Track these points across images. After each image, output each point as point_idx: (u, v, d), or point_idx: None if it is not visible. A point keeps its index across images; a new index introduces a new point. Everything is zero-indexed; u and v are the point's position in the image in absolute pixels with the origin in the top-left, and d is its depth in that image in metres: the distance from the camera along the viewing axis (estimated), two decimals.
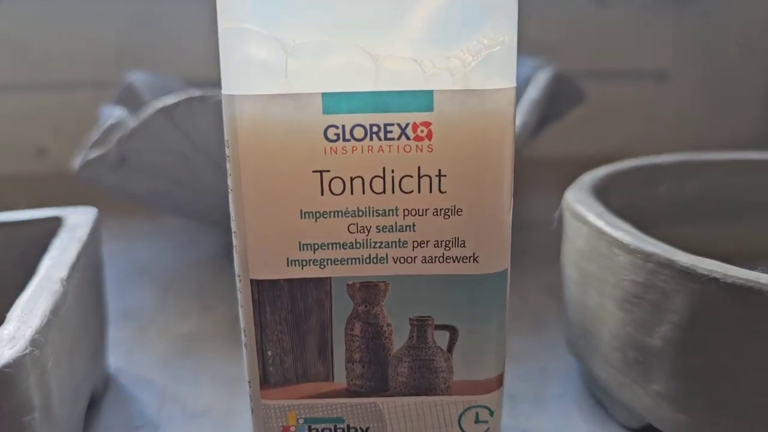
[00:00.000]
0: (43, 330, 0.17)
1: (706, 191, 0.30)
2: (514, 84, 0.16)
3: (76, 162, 0.32)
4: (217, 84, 0.17)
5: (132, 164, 0.31)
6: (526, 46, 0.46)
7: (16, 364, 0.15)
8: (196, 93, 0.28)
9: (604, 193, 0.25)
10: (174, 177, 0.31)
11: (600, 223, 0.21)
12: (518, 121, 0.33)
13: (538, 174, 0.45)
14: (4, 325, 0.17)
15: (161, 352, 0.27)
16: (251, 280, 0.16)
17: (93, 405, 0.23)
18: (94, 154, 0.31)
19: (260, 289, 0.16)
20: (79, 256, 0.21)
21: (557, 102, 0.38)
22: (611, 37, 0.59)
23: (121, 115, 0.34)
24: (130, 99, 0.39)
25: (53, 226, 0.24)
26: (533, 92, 0.35)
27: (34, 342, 0.16)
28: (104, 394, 0.24)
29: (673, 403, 0.19)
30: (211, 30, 0.46)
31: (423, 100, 0.15)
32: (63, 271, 0.20)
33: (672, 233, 0.26)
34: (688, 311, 0.18)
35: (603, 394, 0.23)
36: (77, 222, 0.24)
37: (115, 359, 0.26)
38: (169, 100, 0.29)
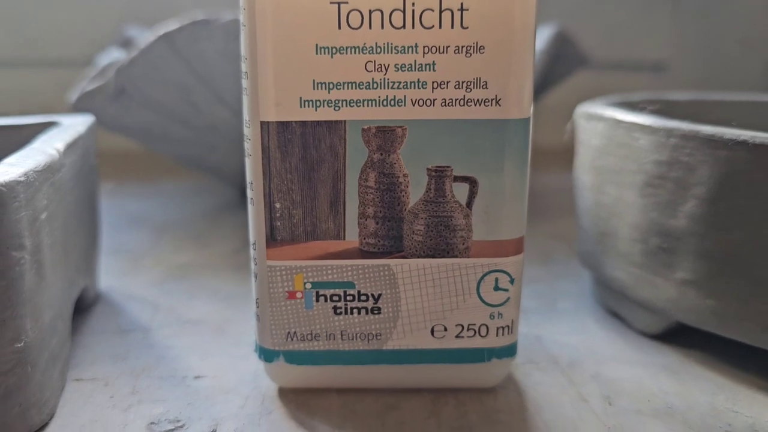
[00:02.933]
0: (39, 174, 0.16)
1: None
2: None
3: (73, 95, 0.31)
4: None
5: (130, 95, 0.30)
6: None
7: (10, 185, 0.14)
8: (199, 17, 0.28)
9: None
10: (173, 110, 0.30)
11: (617, 114, 0.20)
12: None
13: (540, 159, 0.45)
14: (5, 165, 0.16)
15: (156, 277, 0.26)
16: (261, 123, 0.16)
17: (82, 313, 0.22)
18: (92, 86, 0.30)
19: (270, 132, 0.16)
20: (75, 142, 0.20)
21: (561, 62, 0.38)
22: (610, 29, 0.59)
23: (118, 56, 0.33)
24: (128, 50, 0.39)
25: (48, 128, 0.23)
26: (538, 44, 0.35)
27: (27, 175, 0.15)
28: (94, 305, 0.23)
29: (700, 288, 0.18)
30: (206, 8, 0.43)
31: None
32: (58, 144, 0.19)
33: None
34: (715, 181, 0.17)
35: (619, 302, 0.22)
36: (74, 123, 0.23)
37: (106, 281, 0.25)
38: (172, 25, 0.28)
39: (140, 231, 0.32)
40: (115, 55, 0.33)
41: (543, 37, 0.35)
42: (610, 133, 0.20)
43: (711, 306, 0.18)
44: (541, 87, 0.37)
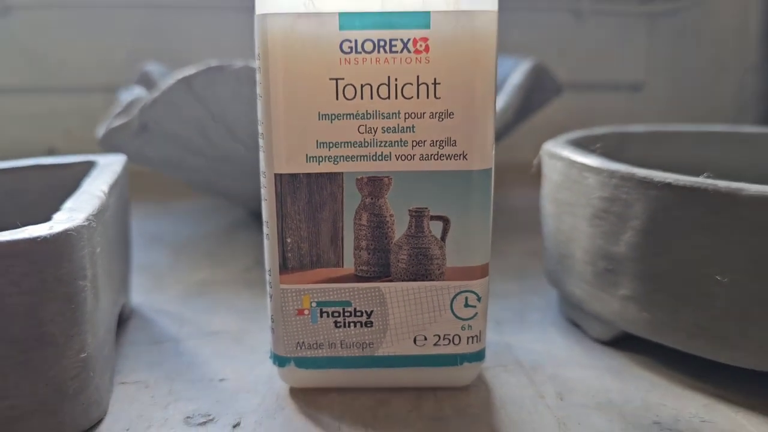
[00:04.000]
0: (95, 216, 0.20)
1: (671, 158, 0.33)
2: (496, 8, 0.19)
3: (99, 131, 0.35)
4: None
5: (152, 132, 0.34)
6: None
7: (79, 229, 0.18)
8: (213, 63, 0.32)
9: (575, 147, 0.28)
10: (190, 144, 0.34)
11: (572, 155, 0.24)
12: (501, 102, 0.37)
13: (521, 173, 0.49)
14: (65, 212, 0.19)
15: (179, 293, 0.30)
16: (275, 175, 0.19)
17: (119, 327, 0.26)
18: (118, 122, 0.34)
19: (282, 182, 0.19)
20: (115, 182, 0.24)
21: (537, 92, 0.41)
22: (590, 52, 0.63)
23: (140, 93, 0.37)
24: (146, 85, 0.43)
25: (88, 167, 0.27)
26: (516, 78, 0.38)
27: (88, 219, 0.19)
28: (129, 320, 0.27)
29: (638, 303, 0.22)
30: (209, 41, 0.50)
31: (422, 19, 0.18)
32: (104, 186, 0.23)
33: None
34: (647, 216, 0.21)
35: (577, 314, 0.25)
36: (109, 162, 0.27)
37: (136, 297, 0.29)
38: (189, 70, 0.32)
39: (159, 250, 0.36)
40: (136, 92, 0.37)
41: (521, 70, 0.39)
42: (566, 171, 0.24)
43: (647, 318, 0.22)
44: (521, 116, 0.41)
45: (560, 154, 0.25)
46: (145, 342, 0.25)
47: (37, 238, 0.17)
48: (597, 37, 0.63)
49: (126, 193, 0.27)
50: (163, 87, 0.32)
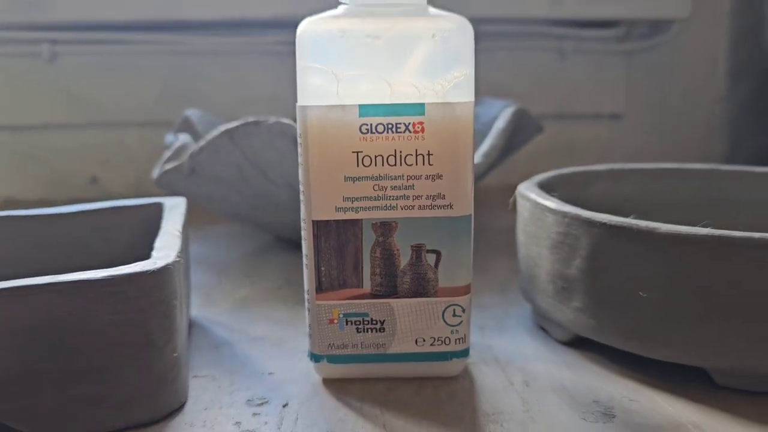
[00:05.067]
0: (179, 254, 0.27)
1: (630, 192, 0.40)
2: (473, 99, 0.26)
3: (155, 172, 0.42)
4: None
5: (199, 174, 0.41)
6: (501, 94, 0.59)
7: (174, 263, 0.25)
8: (251, 119, 0.39)
9: (549, 189, 0.35)
10: (230, 184, 0.41)
11: (537, 198, 0.31)
12: (487, 144, 0.44)
13: (509, 197, 0.56)
14: (159, 250, 0.26)
15: (226, 307, 0.37)
16: (312, 221, 0.26)
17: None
18: (170, 166, 0.41)
19: (318, 226, 0.26)
20: (184, 223, 0.31)
21: (520, 133, 0.49)
22: (573, 86, 0.70)
23: (185, 139, 0.44)
24: (187, 129, 0.50)
25: (158, 207, 0.34)
26: (500, 123, 0.45)
27: (178, 255, 0.26)
28: (191, 329, 0.34)
29: (586, 313, 0.29)
30: (232, 82, 0.59)
31: (419, 108, 0.25)
32: (179, 226, 0.30)
33: None
34: (590, 248, 0.28)
35: (543, 321, 0.32)
36: (174, 204, 0.34)
37: (192, 311, 0.36)
38: (231, 124, 0.39)
39: (204, 271, 0.43)
40: (182, 138, 0.44)
41: (505, 115, 0.46)
42: (533, 210, 0.31)
43: (593, 324, 0.29)
44: (505, 154, 0.48)
45: (528, 196, 0.32)
46: (206, 346, 0.32)
47: (147, 271, 0.24)
48: (579, 72, 0.70)
49: (186, 227, 0.34)
50: (209, 137, 0.40)
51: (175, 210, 0.33)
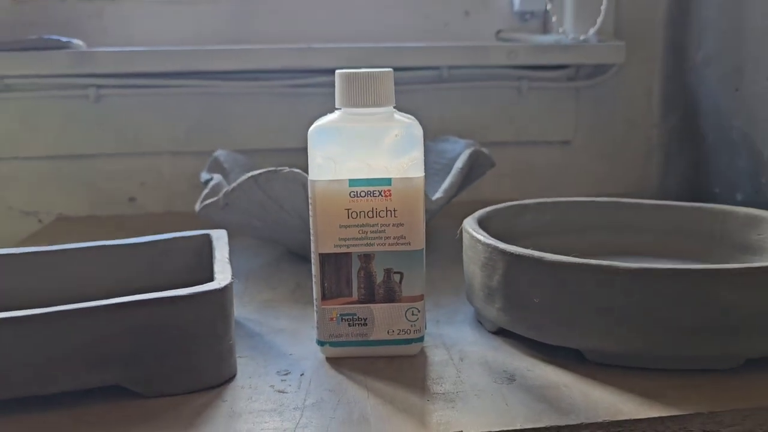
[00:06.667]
0: (232, 276, 0.40)
1: (551, 219, 0.54)
2: (423, 174, 0.40)
3: (197, 206, 0.56)
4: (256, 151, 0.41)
5: (230, 207, 0.55)
6: (470, 124, 0.74)
7: (230, 283, 0.39)
8: (272, 168, 0.52)
9: (487, 221, 0.49)
10: (254, 214, 0.55)
11: (473, 232, 0.45)
12: (447, 182, 0.58)
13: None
14: (219, 273, 0.40)
15: (255, 307, 0.51)
16: (319, 253, 0.40)
17: None
18: (208, 201, 0.55)
19: (322, 257, 0.40)
20: (229, 253, 0.45)
21: (477, 168, 0.62)
22: (529, 117, 0.84)
23: (218, 178, 0.58)
24: (216, 166, 0.64)
25: (207, 238, 0.48)
26: (459, 163, 0.59)
27: (233, 278, 0.40)
28: None
29: (503, 311, 0.43)
30: (253, 118, 0.76)
31: (387, 181, 0.39)
32: (227, 254, 0.44)
33: (532, 243, 0.50)
34: (504, 268, 0.42)
35: (479, 317, 0.46)
36: (218, 236, 0.48)
37: None
38: (256, 171, 0.53)
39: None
40: (215, 178, 0.58)
41: (463, 157, 0.60)
42: (469, 240, 0.45)
43: (509, 320, 0.43)
44: (463, 187, 0.62)
45: (467, 230, 0.46)
46: (242, 336, 0.46)
47: (216, 289, 0.38)
48: (534, 106, 0.84)
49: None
50: (239, 180, 0.53)
51: (221, 240, 0.47)
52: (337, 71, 0.40)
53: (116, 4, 0.79)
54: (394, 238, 0.40)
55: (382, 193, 0.40)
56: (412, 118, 0.40)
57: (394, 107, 0.41)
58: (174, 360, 0.38)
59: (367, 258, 0.40)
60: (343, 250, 0.40)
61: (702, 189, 0.78)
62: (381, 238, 0.40)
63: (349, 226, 0.40)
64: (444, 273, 0.57)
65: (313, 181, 0.40)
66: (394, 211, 0.40)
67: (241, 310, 0.50)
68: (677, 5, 0.81)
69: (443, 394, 0.38)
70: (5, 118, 0.77)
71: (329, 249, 0.40)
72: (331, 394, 0.38)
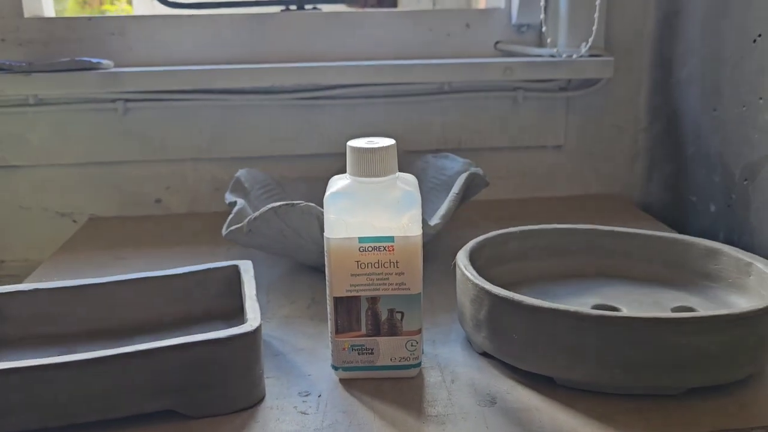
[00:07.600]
0: (262, 316, 0.48)
1: (535, 244, 0.62)
2: (420, 233, 0.47)
3: (224, 230, 0.63)
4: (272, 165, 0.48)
5: (253, 233, 0.62)
6: (470, 131, 0.81)
7: (260, 325, 0.47)
8: (288, 202, 0.60)
9: (478, 249, 0.57)
10: (274, 239, 0.63)
11: (464, 270, 0.53)
12: (444, 208, 0.65)
13: (482, 209, 0.78)
14: (248, 315, 0.48)
15: (276, 323, 0.59)
16: (333, 297, 0.48)
17: None
18: (233, 226, 0.63)
19: (336, 299, 0.48)
20: (256, 286, 0.53)
21: (473, 188, 0.69)
22: (523, 124, 0.90)
23: (241, 203, 0.66)
24: (238, 186, 0.71)
25: (235, 268, 0.55)
26: (455, 188, 0.66)
27: (262, 319, 0.48)
28: None
29: (489, 339, 0.51)
30: (266, 128, 0.81)
31: (390, 239, 0.47)
32: (254, 291, 0.51)
33: (518, 266, 0.58)
34: (489, 305, 0.50)
35: (470, 340, 0.54)
36: (246, 268, 0.55)
37: None
38: (275, 204, 0.60)
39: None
40: (240, 202, 0.65)
41: (459, 181, 0.67)
42: (461, 276, 0.53)
43: (493, 347, 0.51)
44: (459, 205, 0.69)
45: (460, 266, 0.53)
46: (269, 355, 0.54)
47: (248, 331, 0.46)
48: (528, 114, 0.90)
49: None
50: (262, 210, 0.61)
51: (248, 273, 0.54)
52: (348, 144, 0.47)
53: (139, 21, 0.85)
54: (396, 284, 0.48)
55: (386, 248, 0.47)
56: (412, 182, 0.47)
57: (396, 175, 0.48)
58: (216, 388, 0.46)
59: (373, 300, 0.48)
60: (354, 293, 0.48)
61: (681, 196, 0.85)
62: (385, 284, 0.48)
63: (358, 275, 0.47)
64: (440, 287, 0.64)
65: (329, 239, 0.47)
66: (396, 262, 0.47)
67: (266, 326, 0.58)
68: (666, 23, 0.86)
69: (435, 416, 0.46)
70: (41, 129, 0.84)
71: (342, 293, 0.48)
72: (344, 415, 0.46)
